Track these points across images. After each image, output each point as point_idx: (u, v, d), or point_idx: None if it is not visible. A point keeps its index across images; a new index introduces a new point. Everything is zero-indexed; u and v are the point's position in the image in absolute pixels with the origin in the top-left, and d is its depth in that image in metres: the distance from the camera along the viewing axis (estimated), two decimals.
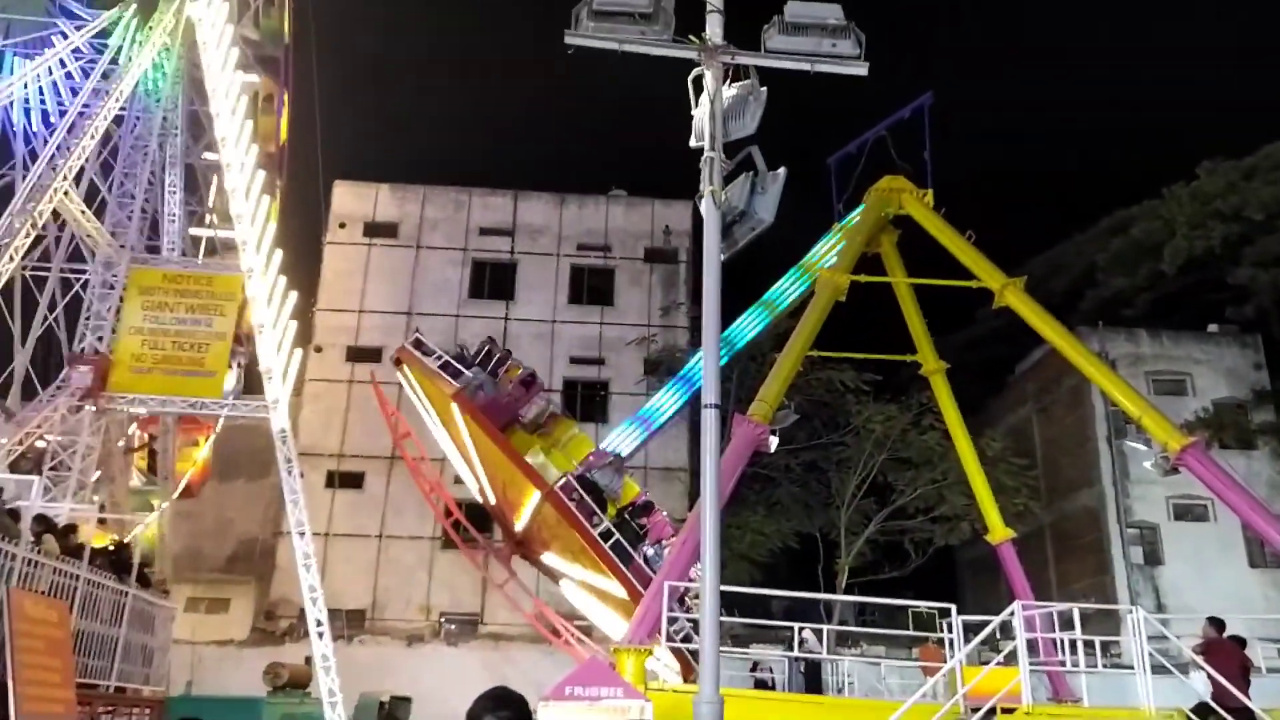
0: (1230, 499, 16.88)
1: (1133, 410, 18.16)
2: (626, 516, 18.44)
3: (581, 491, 17.10)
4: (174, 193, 23.46)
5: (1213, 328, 31.79)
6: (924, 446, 28.39)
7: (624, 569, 16.60)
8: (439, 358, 19.88)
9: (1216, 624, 13.35)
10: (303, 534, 15.51)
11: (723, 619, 19.61)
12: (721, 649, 16.91)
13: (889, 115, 23.74)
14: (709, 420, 8.16)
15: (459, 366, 19.27)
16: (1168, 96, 54.13)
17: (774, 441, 17.01)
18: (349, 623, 26.27)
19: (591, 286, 33.43)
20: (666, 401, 22.03)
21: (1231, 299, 29.84)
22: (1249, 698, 12.05)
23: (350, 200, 33.61)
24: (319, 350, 31.08)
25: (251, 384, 20.50)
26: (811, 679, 15.30)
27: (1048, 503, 31.65)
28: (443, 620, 28.05)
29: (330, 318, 31.80)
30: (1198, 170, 29.90)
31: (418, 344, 20.96)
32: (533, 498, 17.91)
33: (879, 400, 29.53)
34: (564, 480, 17.65)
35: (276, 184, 26.57)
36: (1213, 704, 11.92)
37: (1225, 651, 12.63)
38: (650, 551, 17.13)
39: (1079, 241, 34.84)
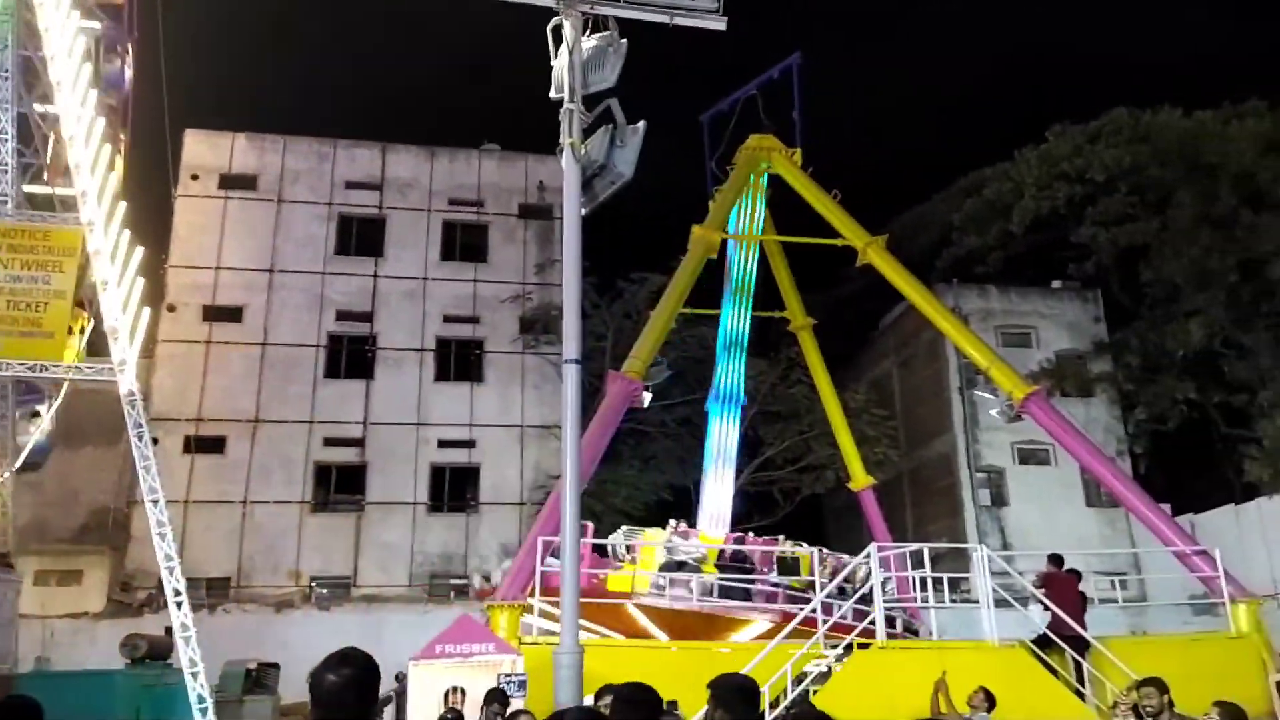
0: (1069, 444, 18.19)
1: (982, 362, 19.27)
2: None
3: None
4: (4, 140, 21.59)
5: (1056, 284, 33.94)
6: (791, 400, 29.37)
7: None
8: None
9: (1055, 560, 14.44)
10: (156, 501, 14.78)
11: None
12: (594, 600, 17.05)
13: (764, 71, 24.06)
14: (569, 375, 8.19)
15: None
16: (1028, 59, 56.74)
17: (648, 397, 17.24)
18: (212, 591, 25.33)
19: (464, 243, 32.75)
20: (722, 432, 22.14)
21: (1074, 257, 31.79)
22: (1084, 627, 13.13)
23: (203, 150, 31.72)
24: (172, 309, 29.42)
25: (99, 347, 19.28)
26: None
27: (906, 451, 33.32)
28: (313, 585, 27.41)
29: (183, 275, 30.10)
30: (1047, 134, 31.53)
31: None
32: None
33: (749, 356, 30.26)
34: None
35: (120, 136, 24.81)
36: (1050, 634, 12.94)
37: (1063, 585, 13.69)
38: None
39: (937, 201, 36.39)
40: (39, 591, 24.45)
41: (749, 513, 30.67)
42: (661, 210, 28.57)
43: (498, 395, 30.89)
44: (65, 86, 19.38)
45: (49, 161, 23.14)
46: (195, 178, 31.27)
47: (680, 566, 15.47)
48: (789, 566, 16.05)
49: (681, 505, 30.94)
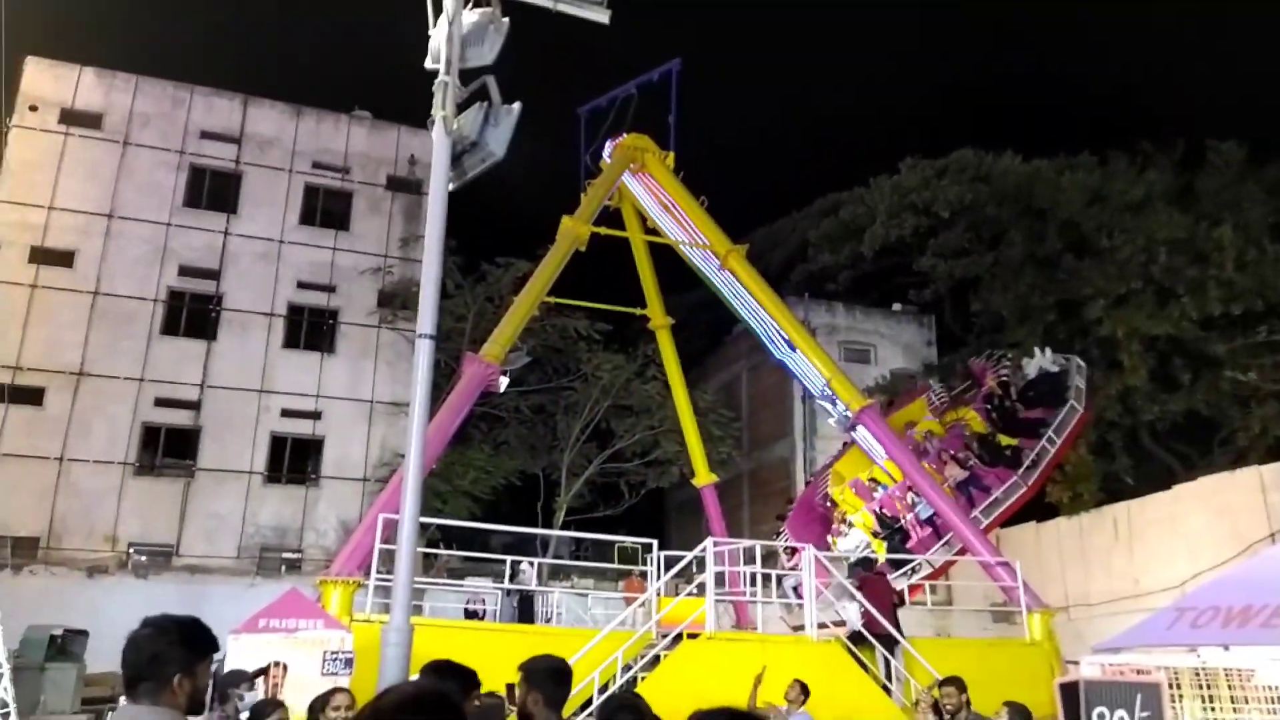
0: (895, 455, 19.47)
1: (825, 373, 20.30)
2: None
3: None
4: None
5: (896, 307, 36.08)
6: (645, 396, 29.98)
7: None
8: None
9: (865, 564, 15.48)
10: None
11: (440, 552, 19.84)
12: (435, 581, 17.10)
13: (646, 71, 24.45)
14: (422, 350, 8.18)
15: None
16: (892, 89, 59.64)
17: (504, 382, 17.28)
18: (18, 551, 23.62)
19: (326, 209, 31.71)
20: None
21: (915, 283, 33.82)
22: (897, 627, 14.12)
23: (45, 81, 29.42)
24: None
25: None
26: (524, 611, 15.92)
27: (748, 452, 34.63)
28: (131, 551, 25.94)
29: (11, 211, 27.86)
30: (900, 165, 33.38)
31: None
32: None
33: (608, 350, 30.74)
34: None
35: None
36: (864, 631, 13.86)
37: (876, 586, 14.68)
38: None
39: (796, 218, 37.92)
40: None
41: (595, 503, 31.13)
42: (532, 197, 28.64)
43: (348, 368, 30.11)
44: None
45: None
46: (34, 109, 29.00)
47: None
48: (631, 557, 16.47)
49: (530, 492, 31.15)
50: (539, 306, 19.98)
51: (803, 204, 38.53)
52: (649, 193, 23.22)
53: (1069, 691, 5.88)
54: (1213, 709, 5.59)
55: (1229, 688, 5.58)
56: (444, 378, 26.09)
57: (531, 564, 16.09)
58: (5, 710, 12.66)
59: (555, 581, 25.43)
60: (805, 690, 10.56)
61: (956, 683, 8.14)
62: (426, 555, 19.11)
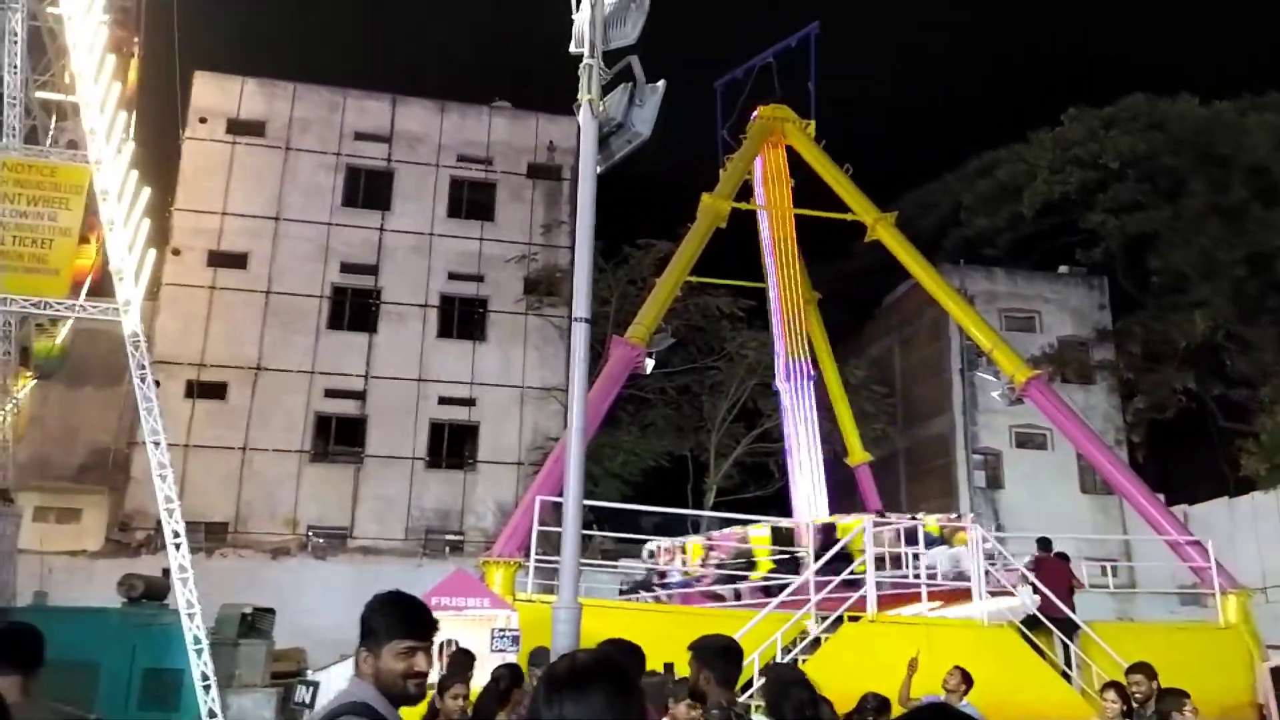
0: (1068, 429, 18.24)
1: (985, 343, 19.27)
2: None
3: None
4: (15, 73, 21.37)
5: (1063, 269, 33.82)
6: None
7: None
8: None
9: (1044, 544, 14.57)
10: (158, 444, 14.82)
11: (594, 533, 20.07)
12: (590, 562, 17.29)
13: (780, 40, 23.80)
14: (578, 334, 8.16)
15: None
16: (1047, 42, 56.09)
17: (650, 364, 17.26)
18: (210, 535, 25.51)
19: (472, 200, 32.58)
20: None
21: (1083, 243, 31.64)
22: (1073, 610, 13.26)
23: (213, 94, 31.43)
24: (177, 253, 29.33)
25: (101, 287, 19.24)
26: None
27: (904, 429, 33.42)
28: (310, 533, 27.61)
29: (189, 219, 29.97)
30: (1062, 117, 31.24)
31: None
32: None
33: (753, 327, 30.28)
34: None
35: (135, 41, 24.61)
36: (1040, 615, 13.07)
37: (1053, 568, 13.82)
38: None
39: (948, 181, 36.15)
40: (38, 528, 24.61)
41: (744, 483, 30.83)
42: (669, 176, 28.42)
43: (499, 355, 30.90)
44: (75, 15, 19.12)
45: (58, 69, 22.89)
46: (203, 121, 31.04)
47: None
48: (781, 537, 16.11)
49: (679, 473, 31.17)
50: (681, 286, 19.84)
51: (953, 166, 36.70)
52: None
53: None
54: None
55: None
56: (590, 361, 26.36)
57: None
58: (207, 682, 13.63)
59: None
60: (967, 678, 9.86)
61: (1145, 669, 7.48)
62: (586, 537, 19.39)
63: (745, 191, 22.01)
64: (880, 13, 63.32)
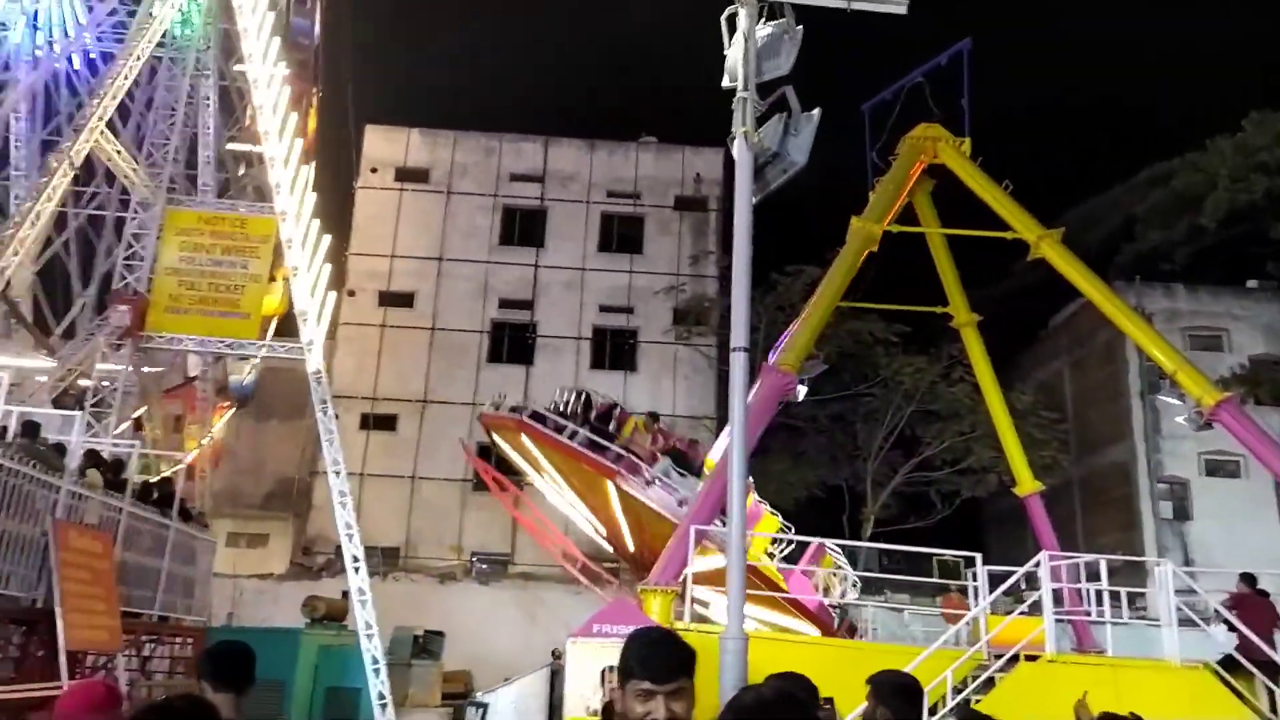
0: (1264, 455, 16.74)
1: (1168, 365, 17.97)
2: None
3: None
4: (208, 132, 23.56)
5: (1252, 283, 31.22)
6: (952, 399, 28.35)
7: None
8: (571, 431, 18.91)
9: (1248, 579, 13.40)
10: (338, 473, 15.83)
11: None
12: (750, 592, 17.17)
13: (928, 60, 23.25)
14: (738, 363, 8.19)
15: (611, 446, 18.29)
16: (1221, 42, 52.38)
17: (802, 391, 17.04)
18: (384, 560, 26.90)
19: (621, 234, 33.34)
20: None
21: (1273, 254, 29.18)
22: (1276, 651, 12.12)
23: (381, 144, 33.60)
24: (352, 294, 31.38)
25: (285, 327, 20.80)
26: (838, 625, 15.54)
27: (1077, 457, 31.51)
28: (474, 560, 28.64)
29: (362, 262, 32.03)
30: (1244, 122, 29.06)
31: (536, 416, 19.97)
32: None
33: (908, 352, 29.44)
34: None
35: (314, 91, 26.61)
36: (1238, 656, 12.01)
37: (1254, 606, 12.70)
38: None
39: (1117, 194, 34.23)
40: (230, 553, 26.64)
41: (904, 514, 29.86)
42: (818, 202, 28.13)
43: (650, 384, 31.30)
44: (260, 82, 20.90)
45: (246, 124, 25.03)
46: (374, 170, 33.19)
47: None
48: (948, 572, 15.50)
49: (834, 504, 30.52)
50: (832, 312, 19.53)
51: (1122, 177, 34.70)
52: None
53: None
54: None
55: None
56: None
57: (845, 574, 15.63)
58: (384, 701, 14.32)
59: (867, 596, 24.63)
60: None
61: None
62: None
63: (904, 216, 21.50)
64: (1033, 26, 60.85)
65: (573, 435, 17.98)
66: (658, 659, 2.53)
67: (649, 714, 2.44)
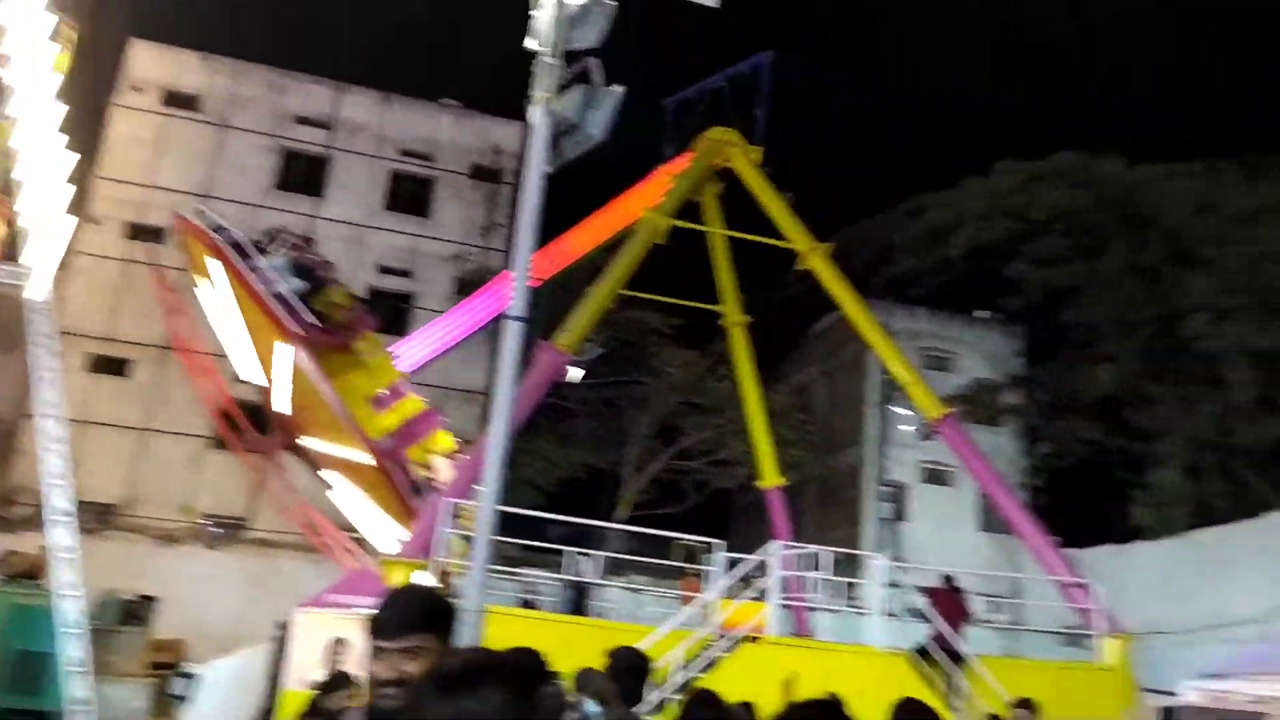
0: (975, 468, 18.74)
1: (904, 378, 19.69)
2: None
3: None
4: None
5: (981, 314, 34.89)
6: (716, 394, 29.64)
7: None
8: (240, 249, 18.16)
9: (947, 579, 14.91)
10: (53, 417, 14.20)
11: (500, 539, 19.85)
12: (493, 568, 17.12)
13: (743, 59, 24.05)
14: (511, 333, 8.02)
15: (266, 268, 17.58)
16: (987, 92, 57.95)
17: (578, 374, 17.18)
18: (98, 517, 24.51)
19: (410, 195, 32.21)
20: (466, 316, 21.60)
21: (1004, 291, 32.62)
22: (964, 642, 13.58)
23: (149, 62, 30.49)
24: (95, 222, 28.27)
25: (12, 249, 18.43)
26: (577, 603, 15.78)
27: (820, 457, 33.97)
28: (205, 522, 26.69)
29: (113, 188, 28.95)
30: (994, 167, 32.26)
31: (218, 229, 19.11)
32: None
33: (681, 345, 30.45)
34: None
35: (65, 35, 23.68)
36: (930, 646, 13.35)
37: (949, 601, 14.12)
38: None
39: (881, 220, 36.98)
40: None
41: (659, 500, 30.92)
42: (610, 190, 28.47)
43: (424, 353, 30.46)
44: None
45: None
46: (137, 90, 30.05)
47: None
48: (693, 558, 16.18)
49: (594, 485, 31.10)
50: (614, 299, 19.85)
51: (893, 203, 37.58)
52: None
53: (1168, 716, 5.44)
54: None
55: None
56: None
57: (589, 556, 15.92)
58: (79, 668, 13.04)
59: (612, 577, 25.31)
60: (838, 704, 9.80)
61: (1028, 704, 7.85)
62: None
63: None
64: (834, 43, 64.70)
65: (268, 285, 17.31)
66: (387, 614, 2.39)
67: (375, 674, 2.31)
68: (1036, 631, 22.16)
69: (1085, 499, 27.78)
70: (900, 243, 34.59)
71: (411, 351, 21.12)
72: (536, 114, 8.91)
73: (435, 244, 31.56)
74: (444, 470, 17.14)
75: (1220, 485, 24.74)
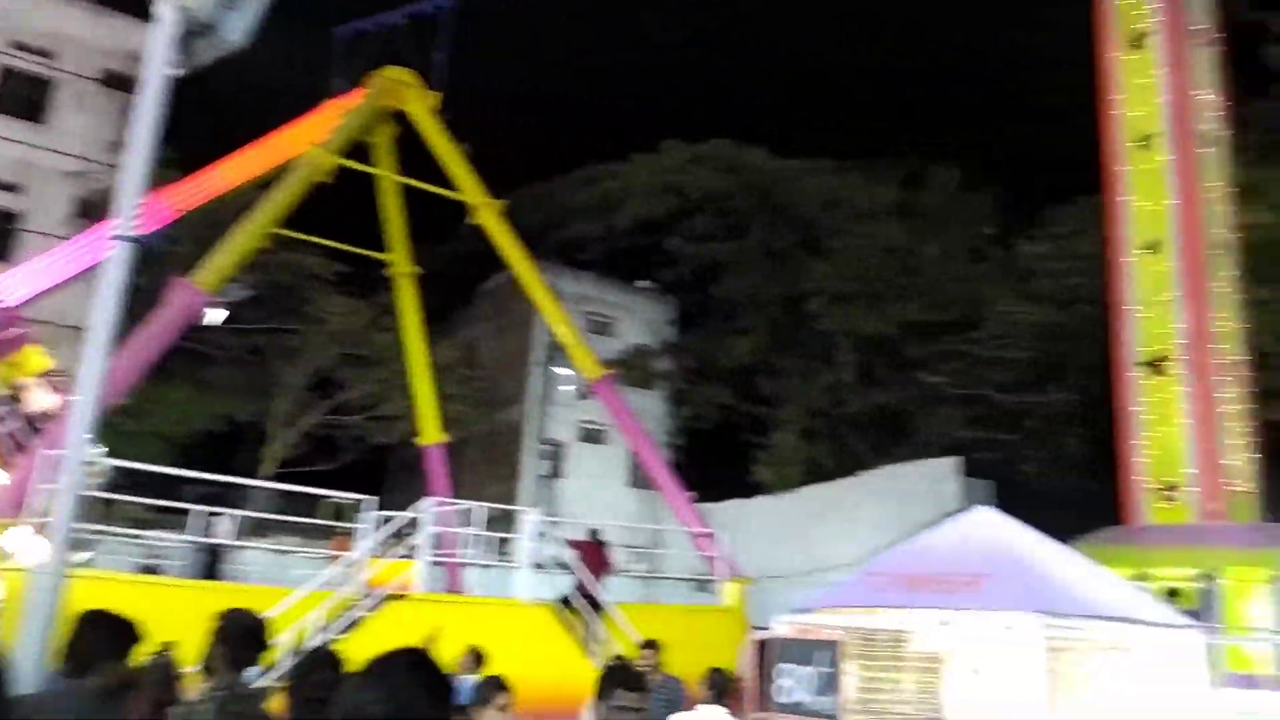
0: (626, 427, 19.91)
1: (567, 339, 20.37)
2: None
3: None
4: None
5: (643, 283, 37.03)
6: (381, 346, 28.64)
7: None
8: None
9: (592, 532, 15.71)
10: None
11: (121, 498, 17.87)
12: (109, 530, 15.35)
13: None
14: (119, 256, 6.93)
15: None
16: (676, 70, 60.33)
17: (217, 315, 15.81)
18: None
19: (23, 97, 27.40)
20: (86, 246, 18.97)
21: (663, 262, 34.84)
22: (604, 591, 14.40)
23: None
24: None
25: None
26: (210, 567, 14.57)
27: (484, 415, 34.20)
28: None
29: None
30: (662, 145, 34.16)
31: None
32: None
33: (344, 293, 28.99)
34: None
35: None
36: (573, 596, 14.02)
37: (592, 553, 14.91)
38: None
39: (558, 184, 37.77)
40: None
41: (311, 455, 29.35)
42: (275, 120, 26.26)
43: (31, 285, 26.24)
44: None
45: None
46: None
47: None
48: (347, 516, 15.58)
49: (235, 439, 28.79)
50: (269, 238, 18.45)
51: (571, 168, 38.37)
52: None
53: (761, 648, 6.12)
54: (872, 669, 5.98)
55: (891, 650, 5.98)
56: (144, 303, 23.37)
57: (223, 515, 14.73)
58: None
59: (255, 538, 23.70)
60: (478, 657, 10.05)
61: (652, 645, 8.56)
62: (107, 501, 17.17)
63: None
64: (535, 3, 63.99)
65: None
66: None
67: None
68: (672, 579, 24.17)
69: (720, 458, 30.58)
70: (573, 208, 35.60)
71: (19, 283, 18.17)
72: (163, 7, 7.82)
73: (52, 156, 27.18)
74: (39, 396, 14.96)
75: (828, 447, 28.43)
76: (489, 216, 20.84)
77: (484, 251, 26.30)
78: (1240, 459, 13.43)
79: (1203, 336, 13.43)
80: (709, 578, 17.64)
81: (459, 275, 37.15)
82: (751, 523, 26.74)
